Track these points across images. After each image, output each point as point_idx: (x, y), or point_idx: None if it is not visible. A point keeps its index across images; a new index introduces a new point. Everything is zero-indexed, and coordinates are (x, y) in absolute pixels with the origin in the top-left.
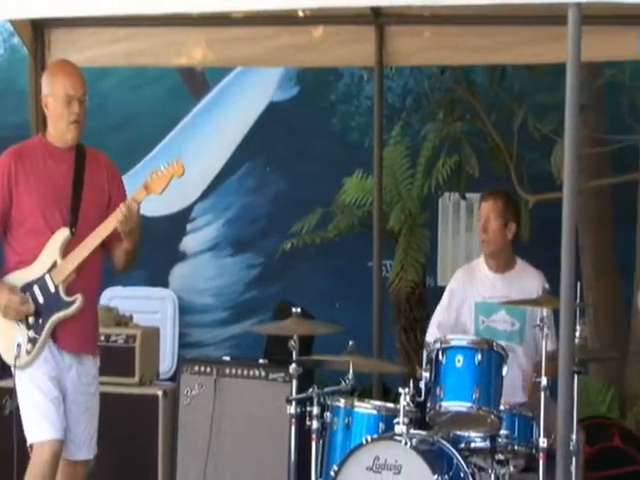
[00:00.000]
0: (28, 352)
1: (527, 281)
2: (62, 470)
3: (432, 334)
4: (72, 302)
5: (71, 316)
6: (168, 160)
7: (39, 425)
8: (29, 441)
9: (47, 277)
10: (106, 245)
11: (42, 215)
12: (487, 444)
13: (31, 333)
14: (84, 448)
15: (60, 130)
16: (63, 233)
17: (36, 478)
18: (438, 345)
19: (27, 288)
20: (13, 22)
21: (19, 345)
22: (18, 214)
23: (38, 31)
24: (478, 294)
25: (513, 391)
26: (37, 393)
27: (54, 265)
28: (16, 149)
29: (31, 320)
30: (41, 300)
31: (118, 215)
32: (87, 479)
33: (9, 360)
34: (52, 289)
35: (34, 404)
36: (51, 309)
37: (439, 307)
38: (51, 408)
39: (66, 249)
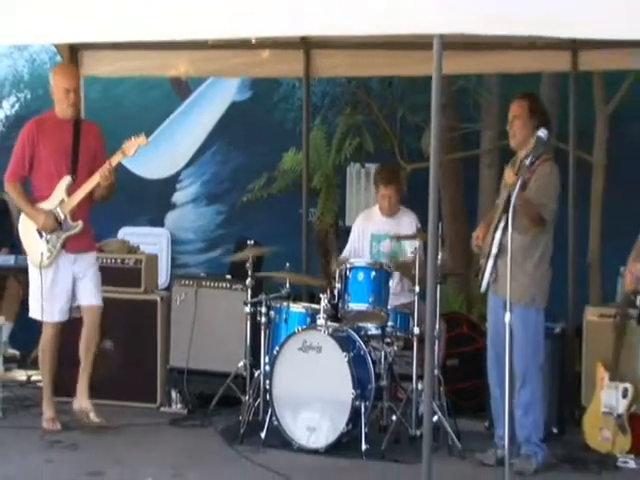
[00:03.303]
0: (48, 258)
1: (406, 221)
2: (85, 313)
3: (346, 253)
4: (76, 226)
5: (75, 234)
6: (161, 143)
7: (49, 311)
8: (40, 319)
9: (58, 209)
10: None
11: (54, 164)
12: (379, 331)
13: (50, 246)
14: (94, 298)
15: (62, 109)
16: (67, 179)
17: (45, 345)
18: (346, 266)
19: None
20: (56, 45)
21: (42, 254)
22: (37, 163)
23: (73, 51)
24: (373, 229)
25: (395, 296)
26: (50, 284)
27: (62, 201)
28: (37, 119)
29: (49, 237)
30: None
31: (101, 172)
32: (99, 318)
33: (35, 264)
34: (62, 217)
35: (47, 294)
36: (62, 230)
37: (350, 238)
38: (60, 297)
39: (69, 190)
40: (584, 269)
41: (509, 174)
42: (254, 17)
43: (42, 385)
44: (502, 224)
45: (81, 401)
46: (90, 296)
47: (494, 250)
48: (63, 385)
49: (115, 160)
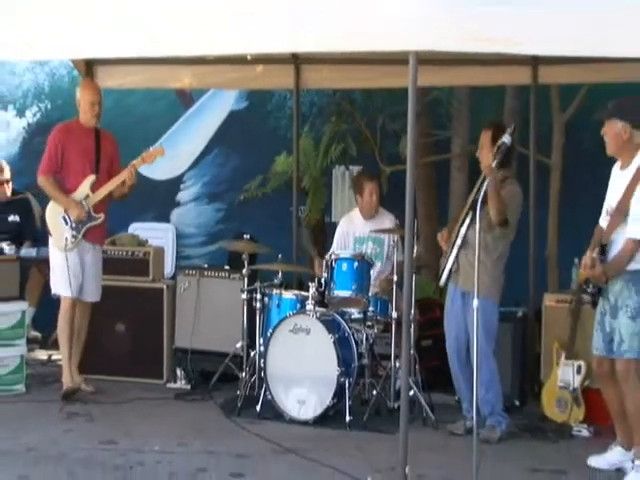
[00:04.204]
0: (72, 243)
1: (385, 221)
2: (79, 307)
3: (334, 248)
4: (98, 217)
5: (95, 225)
6: (167, 147)
7: (67, 288)
8: (59, 294)
9: (84, 202)
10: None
11: (80, 164)
12: (361, 316)
13: (74, 232)
14: (93, 295)
15: (87, 119)
16: (92, 177)
17: (63, 315)
18: (332, 257)
19: None
20: (73, 61)
21: (66, 239)
22: (65, 162)
23: (89, 66)
24: (355, 232)
25: (375, 286)
26: (72, 266)
27: (87, 196)
28: (65, 125)
29: (74, 225)
30: None
31: (126, 173)
32: (90, 311)
33: (60, 247)
34: (87, 209)
35: (70, 274)
36: (86, 220)
37: (335, 239)
38: (78, 277)
39: (93, 187)
40: (543, 260)
41: (487, 159)
42: (251, 36)
43: (61, 355)
44: (468, 220)
45: (74, 377)
46: (92, 295)
47: (458, 241)
48: (87, 363)
49: (139, 164)
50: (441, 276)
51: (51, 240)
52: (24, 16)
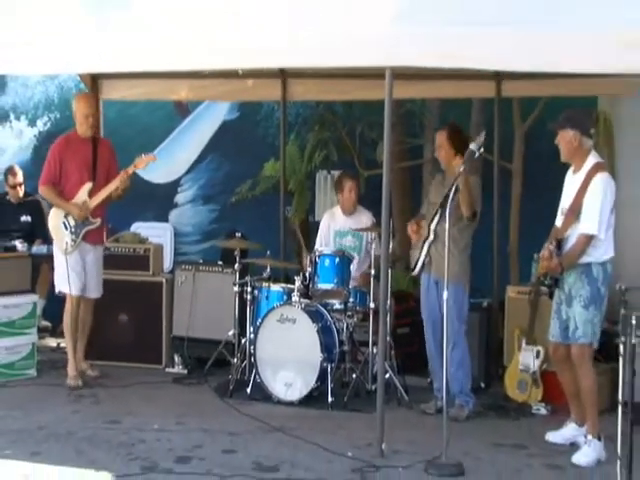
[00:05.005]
0: (71, 246)
1: (363, 218)
2: (83, 303)
3: (317, 244)
4: (95, 222)
5: (93, 228)
6: (166, 154)
7: (70, 286)
8: (65, 292)
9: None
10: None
11: (78, 173)
12: (342, 306)
13: (73, 236)
14: (95, 291)
15: (83, 130)
16: (89, 185)
17: (67, 312)
18: (316, 253)
19: None
20: (80, 75)
21: (66, 243)
22: (64, 172)
23: (94, 80)
24: (336, 227)
25: (354, 279)
26: (73, 266)
27: (84, 202)
28: (65, 137)
29: (74, 229)
30: None
31: (120, 177)
32: (93, 306)
33: (61, 250)
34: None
35: (71, 274)
36: (84, 224)
37: (318, 234)
38: (80, 276)
39: (90, 194)
40: (506, 256)
41: (447, 158)
42: (241, 53)
43: (66, 348)
44: (437, 218)
45: (81, 364)
46: (94, 291)
47: (431, 237)
48: (93, 350)
49: (130, 171)
50: (414, 267)
51: (54, 243)
52: (24, 16)
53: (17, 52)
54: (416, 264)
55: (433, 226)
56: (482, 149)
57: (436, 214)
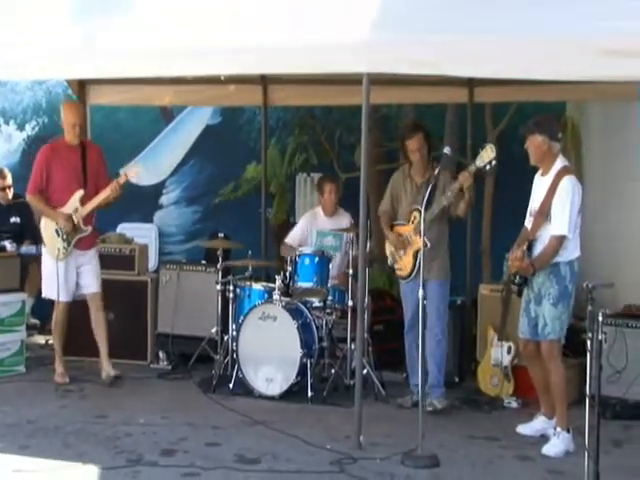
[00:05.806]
0: (63, 253)
1: (343, 219)
2: (89, 302)
3: (290, 239)
4: (86, 230)
5: (85, 236)
6: (151, 157)
7: (59, 293)
8: (53, 298)
9: (74, 216)
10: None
11: (67, 181)
12: (321, 304)
13: (65, 244)
14: (94, 286)
15: (70, 138)
16: (80, 192)
17: (57, 317)
18: (296, 252)
19: None
20: (68, 80)
21: (58, 249)
22: (52, 180)
23: (82, 85)
24: (317, 227)
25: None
26: (63, 272)
27: (76, 209)
28: (51, 145)
29: (65, 236)
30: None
31: (112, 187)
32: (101, 302)
33: (53, 256)
34: (76, 221)
35: (61, 281)
36: (76, 231)
37: (295, 228)
38: (70, 283)
39: (82, 201)
40: (479, 255)
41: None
42: (224, 59)
43: (55, 348)
44: (427, 224)
45: (108, 369)
46: (92, 286)
47: (428, 245)
48: (71, 346)
49: (122, 180)
50: (409, 275)
51: (44, 249)
52: (24, 16)
53: (3, 36)
54: (411, 273)
55: (426, 234)
56: (451, 152)
57: (422, 220)
